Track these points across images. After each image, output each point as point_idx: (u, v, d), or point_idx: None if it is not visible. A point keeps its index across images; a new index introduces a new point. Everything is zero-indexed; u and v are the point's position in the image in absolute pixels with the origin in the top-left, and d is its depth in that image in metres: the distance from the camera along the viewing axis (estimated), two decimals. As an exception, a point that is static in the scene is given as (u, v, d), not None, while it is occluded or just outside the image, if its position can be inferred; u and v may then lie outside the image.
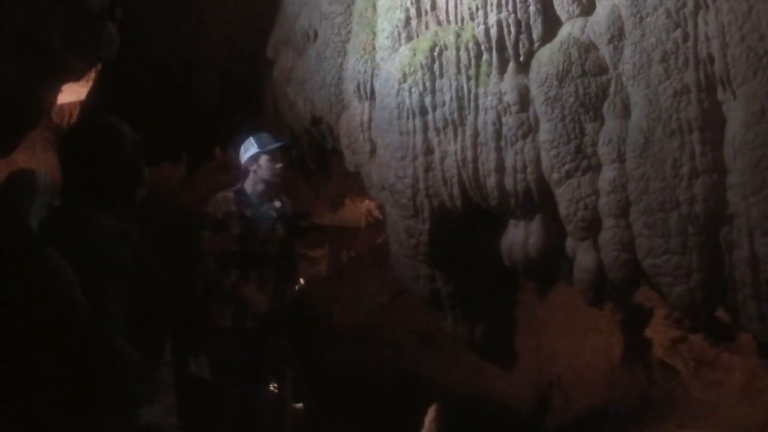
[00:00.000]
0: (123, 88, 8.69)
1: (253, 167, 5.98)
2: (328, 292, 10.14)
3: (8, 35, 5.74)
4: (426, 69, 4.85)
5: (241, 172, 6.19)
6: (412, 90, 4.92)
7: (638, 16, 3.85)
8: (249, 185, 6.00)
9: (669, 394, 7.49)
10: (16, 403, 2.63)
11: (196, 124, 9.10)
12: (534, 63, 4.42)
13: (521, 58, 4.50)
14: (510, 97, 4.49)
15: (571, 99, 4.16)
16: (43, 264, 2.61)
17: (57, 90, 7.08)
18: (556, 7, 4.38)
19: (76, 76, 7.09)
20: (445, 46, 4.80)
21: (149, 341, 2.97)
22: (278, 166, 5.95)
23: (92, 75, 8.95)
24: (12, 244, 2.60)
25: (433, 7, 4.97)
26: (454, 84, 4.76)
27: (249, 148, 6.03)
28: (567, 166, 4.21)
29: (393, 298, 9.80)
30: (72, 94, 9.38)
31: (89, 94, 9.58)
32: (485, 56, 4.65)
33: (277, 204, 6.03)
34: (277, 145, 6.07)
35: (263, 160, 5.93)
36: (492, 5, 4.53)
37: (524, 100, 4.45)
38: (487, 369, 7.41)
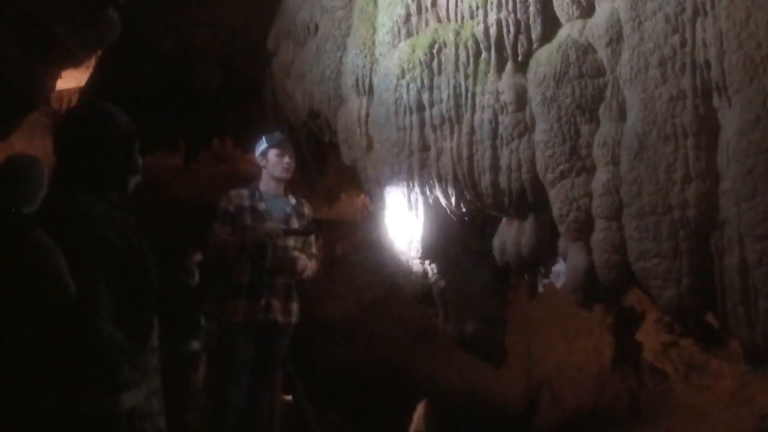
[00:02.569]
0: (123, 76, 8.70)
1: (263, 163, 5.99)
2: (322, 286, 10.16)
3: (10, 20, 5.75)
4: (425, 66, 4.86)
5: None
6: (410, 86, 4.93)
7: (637, 20, 3.85)
8: (263, 183, 6.01)
9: (658, 398, 7.51)
10: (1, 384, 2.65)
11: (195, 114, 9.10)
12: (532, 63, 4.42)
13: (519, 58, 4.51)
14: (507, 97, 4.50)
15: (568, 100, 4.16)
16: (32, 246, 2.62)
17: (57, 75, 7.09)
18: (555, 9, 4.38)
19: (76, 62, 7.09)
20: (445, 43, 4.81)
21: (136, 326, 2.98)
22: (286, 160, 5.94)
23: (92, 61, 8.95)
24: (3, 226, 2.61)
25: (434, 4, 4.99)
26: (452, 81, 4.77)
27: (260, 146, 6.05)
28: (561, 167, 4.21)
29: (386, 294, 9.82)
30: (71, 80, 9.37)
31: (89, 81, 9.57)
32: (484, 55, 4.66)
33: (293, 201, 6.02)
34: (282, 138, 6.06)
35: (271, 154, 5.94)
36: (492, 5, 4.53)
37: (521, 99, 4.45)
38: (477, 367, 7.43)
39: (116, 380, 2.84)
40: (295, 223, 5.94)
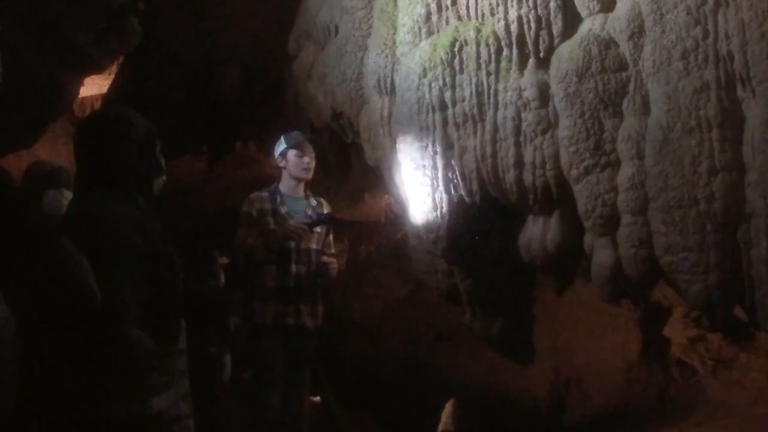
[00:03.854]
0: (144, 82, 8.72)
1: (283, 164, 5.92)
2: (347, 286, 10.16)
3: (32, 28, 5.78)
4: (446, 64, 4.85)
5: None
6: (432, 85, 4.92)
7: (658, 12, 3.84)
8: (283, 184, 5.94)
9: (687, 393, 7.48)
10: (29, 390, 2.65)
11: (217, 118, 9.12)
12: (554, 59, 4.41)
13: (541, 54, 4.50)
14: (530, 93, 4.49)
15: (591, 95, 4.15)
16: (57, 253, 2.62)
17: (79, 82, 7.12)
18: (576, 3, 4.37)
19: (98, 69, 7.13)
20: (466, 41, 4.79)
21: (163, 330, 2.98)
22: (306, 160, 5.91)
23: (114, 68, 8.99)
24: (28, 232, 2.61)
25: (454, 2, 4.97)
26: (474, 79, 4.76)
27: (279, 146, 5.98)
28: (586, 163, 4.20)
29: (411, 293, 9.82)
30: (93, 87, 9.42)
31: (111, 87, 9.61)
32: (505, 52, 4.65)
33: (314, 202, 5.99)
34: (302, 137, 6.01)
35: (291, 155, 5.89)
36: (513, 1, 4.52)
37: (544, 96, 4.44)
38: (504, 365, 7.41)
39: (144, 384, 2.85)
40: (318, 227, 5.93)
